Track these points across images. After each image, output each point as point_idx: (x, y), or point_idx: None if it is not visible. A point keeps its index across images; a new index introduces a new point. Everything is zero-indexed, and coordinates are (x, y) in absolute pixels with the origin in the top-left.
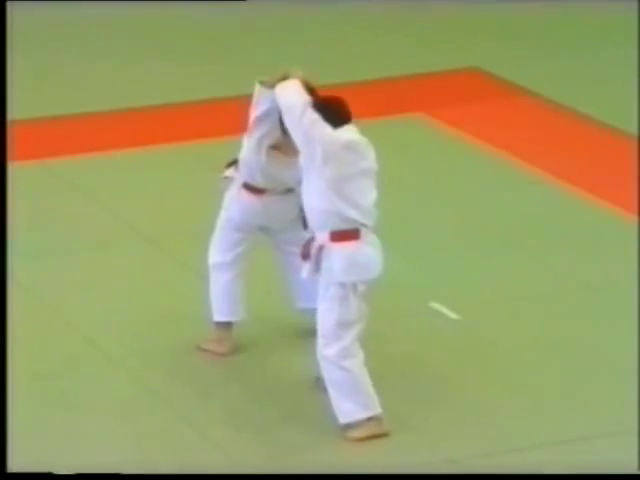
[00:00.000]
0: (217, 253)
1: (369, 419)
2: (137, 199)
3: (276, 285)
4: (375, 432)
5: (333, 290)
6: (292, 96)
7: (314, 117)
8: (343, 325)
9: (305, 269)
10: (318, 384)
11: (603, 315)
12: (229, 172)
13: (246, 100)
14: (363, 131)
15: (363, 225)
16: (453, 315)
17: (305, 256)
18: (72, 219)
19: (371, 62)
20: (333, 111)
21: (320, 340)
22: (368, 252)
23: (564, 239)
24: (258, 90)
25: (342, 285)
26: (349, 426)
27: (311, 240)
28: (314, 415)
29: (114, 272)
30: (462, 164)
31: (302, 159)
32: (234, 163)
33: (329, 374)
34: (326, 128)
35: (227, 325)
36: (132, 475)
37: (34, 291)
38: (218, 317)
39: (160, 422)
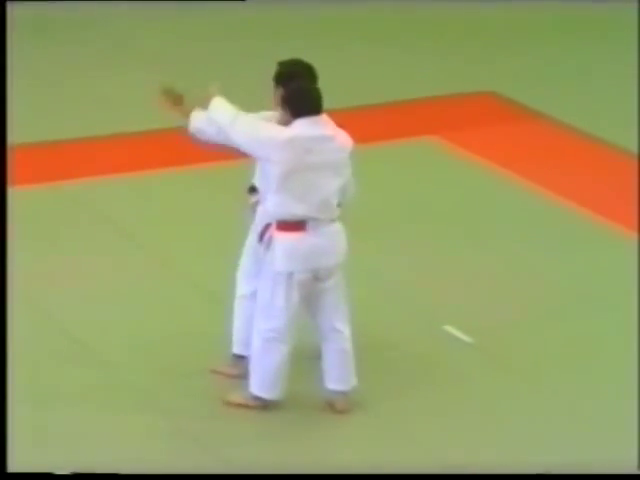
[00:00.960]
0: (243, 283)
1: (258, 398)
2: (152, 221)
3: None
4: (253, 407)
5: (271, 274)
6: (219, 115)
7: (248, 119)
8: (275, 307)
9: (261, 250)
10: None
11: (609, 330)
12: (255, 198)
13: None
14: (378, 154)
15: (312, 218)
16: (467, 338)
17: (261, 238)
18: (86, 241)
19: (386, 85)
20: (298, 102)
21: (256, 315)
22: (312, 243)
23: (583, 263)
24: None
25: (279, 272)
26: (249, 394)
27: (270, 225)
28: (315, 424)
29: (127, 293)
30: (476, 187)
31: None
32: (254, 190)
33: (255, 345)
34: (265, 128)
35: (244, 357)
36: (132, 475)
37: (46, 312)
38: (237, 350)
39: (160, 425)
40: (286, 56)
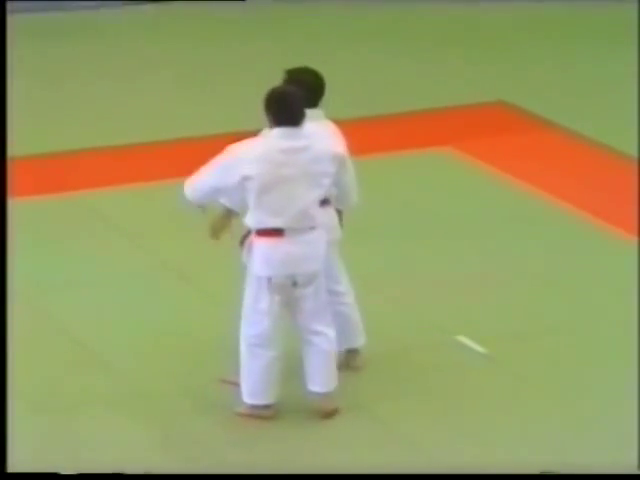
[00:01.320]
0: None
1: (254, 406)
2: (160, 229)
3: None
4: (258, 415)
5: (253, 279)
6: (200, 184)
7: (220, 162)
8: (257, 312)
9: (242, 254)
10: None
11: (612, 334)
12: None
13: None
14: (390, 164)
15: (290, 228)
16: (480, 349)
17: (242, 243)
18: (99, 251)
19: (397, 95)
20: (279, 110)
21: (241, 322)
22: (288, 250)
23: (598, 273)
24: None
25: (258, 277)
26: (239, 402)
27: (250, 231)
28: (315, 428)
29: (140, 303)
30: (489, 197)
31: None
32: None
33: (242, 353)
34: (234, 152)
35: None
36: (132, 475)
37: (58, 321)
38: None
39: (160, 426)
40: (294, 61)
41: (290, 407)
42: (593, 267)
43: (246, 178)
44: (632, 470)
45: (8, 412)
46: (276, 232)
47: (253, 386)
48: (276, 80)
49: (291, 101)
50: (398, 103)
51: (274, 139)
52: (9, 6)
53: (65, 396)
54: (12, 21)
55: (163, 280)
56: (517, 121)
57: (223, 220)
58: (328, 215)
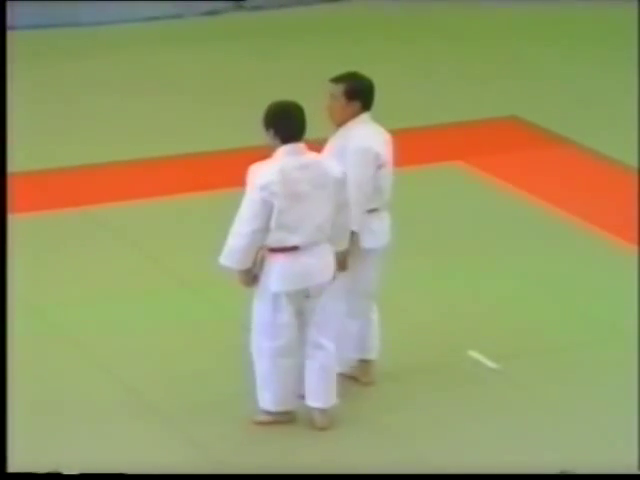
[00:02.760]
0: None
1: (278, 412)
2: (179, 247)
3: None
4: (279, 422)
5: (269, 295)
6: (241, 241)
7: (248, 208)
8: (277, 326)
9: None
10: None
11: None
12: None
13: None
14: (402, 179)
15: (307, 243)
16: (491, 364)
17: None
18: (113, 266)
19: (409, 110)
20: (286, 125)
21: (256, 335)
22: (305, 262)
23: (608, 289)
24: None
25: (275, 293)
26: (263, 411)
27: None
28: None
29: (154, 319)
30: (501, 213)
31: None
32: None
33: (260, 366)
34: (255, 186)
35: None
36: (132, 475)
37: (73, 337)
38: (362, 355)
39: (161, 428)
40: (312, 78)
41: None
42: (607, 284)
43: (274, 203)
44: (632, 470)
45: (8, 412)
46: (293, 248)
47: (278, 394)
48: (296, 92)
49: (296, 115)
50: (410, 118)
51: (286, 157)
52: (22, 21)
53: (65, 396)
54: (26, 36)
55: (177, 294)
56: (530, 136)
57: (247, 274)
58: (379, 221)
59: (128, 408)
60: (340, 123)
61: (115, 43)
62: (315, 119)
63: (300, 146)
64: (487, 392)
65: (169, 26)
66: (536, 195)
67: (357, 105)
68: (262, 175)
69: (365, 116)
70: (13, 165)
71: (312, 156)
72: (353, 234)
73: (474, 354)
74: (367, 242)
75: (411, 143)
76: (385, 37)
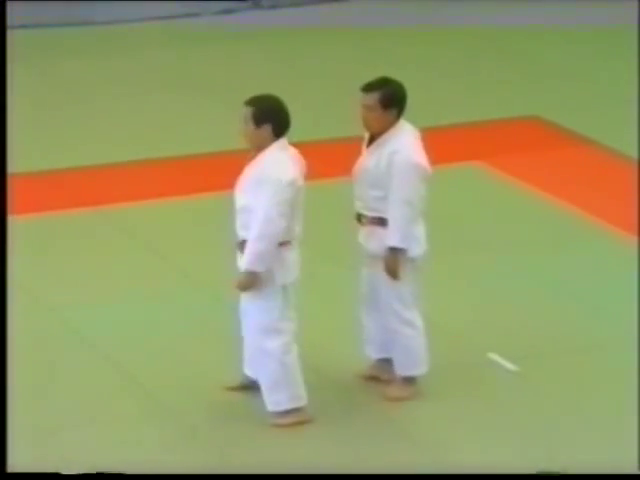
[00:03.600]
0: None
1: (294, 409)
2: (192, 248)
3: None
4: (299, 420)
5: (271, 291)
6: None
7: (278, 202)
8: (285, 320)
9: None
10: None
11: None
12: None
13: (301, 147)
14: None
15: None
16: (510, 366)
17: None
18: (126, 266)
19: (429, 110)
20: (282, 119)
21: (258, 335)
22: (294, 254)
23: (631, 292)
24: None
25: (283, 287)
26: (276, 414)
27: (244, 241)
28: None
29: (167, 320)
30: (522, 214)
31: None
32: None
33: (268, 367)
34: (280, 182)
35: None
36: (132, 475)
37: (88, 339)
38: (379, 354)
39: (163, 427)
40: (328, 80)
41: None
42: (630, 287)
43: (295, 199)
44: (632, 470)
45: (8, 412)
46: (291, 240)
47: (292, 391)
48: (313, 92)
49: (286, 109)
50: (429, 117)
51: (282, 151)
52: (36, 20)
53: (66, 396)
54: (38, 35)
55: (191, 295)
56: (551, 136)
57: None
58: (420, 227)
59: (133, 408)
60: (379, 133)
61: (130, 42)
62: (332, 118)
63: (285, 140)
64: (505, 394)
65: (185, 25)
66: (558, 196)
67: (394, 113)
68: (285, 172)
69: (403, 123)
70: (26, 164)
71: (293, 149)
72: (399, 249)
73: (493, 356)
74: (413, 250)
75: (430, 143)
76: (401, 36)
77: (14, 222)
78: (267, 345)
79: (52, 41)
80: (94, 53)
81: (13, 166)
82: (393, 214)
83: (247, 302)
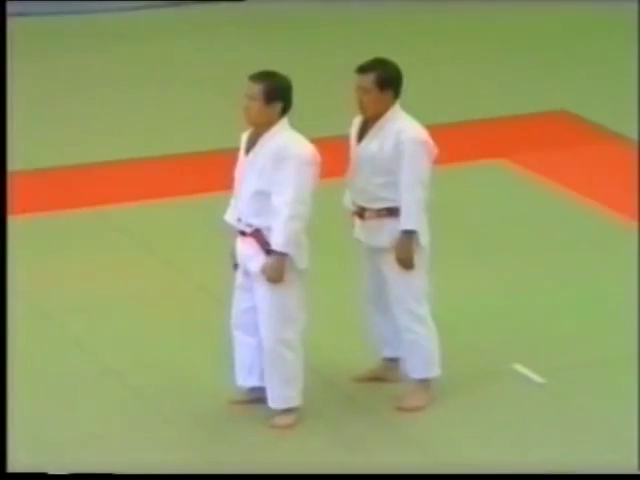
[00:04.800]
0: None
1: (296, 408)
2: (194, 250)
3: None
4: (296, 420)
5: (297, 278)
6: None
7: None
8: (302, 307)
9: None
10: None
11: None
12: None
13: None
14: (443, 178)
15: None
16: (537, 378)
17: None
18: (127, 269)
19: (450, 105)
20: (289, 98)
21: (278, 326)
22: (306, 240)
23: None
24: None
25: (303, 271)
26: (281, 413)
27: (258, 230)
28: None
29: (169, 324)
30: (548, 214)
31: None
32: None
33: (285, 358)
34: (307, 160)
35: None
36: (132, 475)
37: (86, 347)
38: (389, 353)
39: (162, 429)
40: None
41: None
42: None
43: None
44: (632, 470)
45: (8, 412)
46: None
47: (301, 387)
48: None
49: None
50: (450, 112)
51: (290, 130)
52: (29, 8)
53: (66, 396)
54: (34, 24)
55: (193, 298)
56: (580, 131)
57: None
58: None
59: (133, 412)
60: (375, 116)
61: (128, 31)
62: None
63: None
64: (526, 405)
65: (168, 14)
66: (586, 195)
67: (390, 94)
68: (308, 150)
69: (398, 107)
70: (22, 163)
71: None
72: (414, 233)
73: (519, 367)
74: (424, 237)
75: (452, 139)
76: (421, 29)
77: (10, 222)
78: (286, 335)
79: (48, 30)
80: (93, 43)
81: (10, 164)
82: (406, 197)
83: (266, 292)
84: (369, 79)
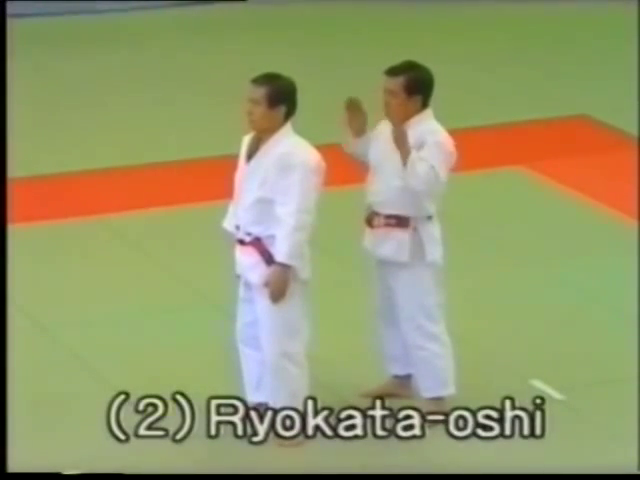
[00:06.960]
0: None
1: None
2: (196, 259)
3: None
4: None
5: (299, 288)
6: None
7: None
8: (302, 317)
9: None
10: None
11: None
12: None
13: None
14: (458, 186)
15: None
16: (557, 395)
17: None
18: (127, 278)
19: (467, 109)
20: (294, 102)
21: (282, 338)
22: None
23: None
24: None
25: (305, 281)
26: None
27: (259, 240)
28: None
29: (172, 335)
30: (569, 224)
31: None
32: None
33: (290, 373)
34: (310, 167)
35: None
36: (132, 475)
37: (85, 359)
38: (400, 371)
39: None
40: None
41: None
42: None
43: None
44: (632, 470)
45: (8, 412)
46: None
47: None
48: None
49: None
50: (467, 117)
51: (294, 135)
52: (32, 9)
53: (66, 396)
54: (38, 25)
55: (198, 310)
56: (601, 138)
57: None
58: (435, 229)
59: (132, 419)
60: (400, 122)
61: (133, 33)
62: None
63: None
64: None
65: (194, 12)
66: (609, 204)
67: (418, 100)
68: (314, 157)
69: (429, 114)
70: (20, 170)
71: None
72: None
73: (537, 383)
74: (434, 253)
75: (469, 145)
76: (441, 31)
77: (9, 231)
78: (290, 349)
79: (51, 31)
80: (96, 44)
81: (9, 170)
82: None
83: (267, 304)
84: (397, 82)
